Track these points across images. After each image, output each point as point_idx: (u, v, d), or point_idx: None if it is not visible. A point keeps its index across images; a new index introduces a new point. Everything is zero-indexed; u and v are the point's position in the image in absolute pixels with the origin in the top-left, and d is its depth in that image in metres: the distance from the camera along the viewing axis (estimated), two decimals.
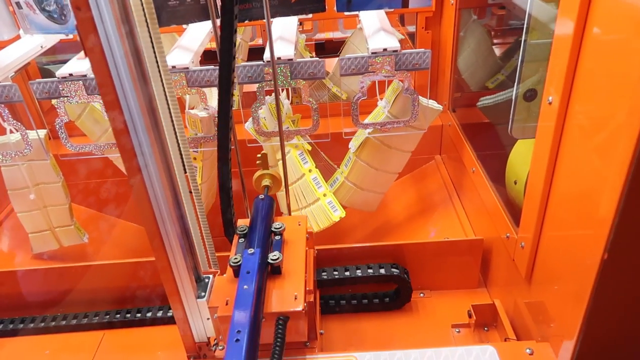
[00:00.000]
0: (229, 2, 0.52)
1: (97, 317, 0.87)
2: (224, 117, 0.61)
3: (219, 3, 0.81)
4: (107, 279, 0.89)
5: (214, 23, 0.65)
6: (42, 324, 0.86)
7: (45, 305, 0.90)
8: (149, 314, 0.86)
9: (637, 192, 0.44)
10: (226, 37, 0.53)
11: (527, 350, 0.63)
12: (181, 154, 0.55)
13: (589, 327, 0.52)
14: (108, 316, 0.87)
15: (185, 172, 0.56)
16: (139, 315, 0.86)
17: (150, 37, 0.46)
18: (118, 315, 0.86)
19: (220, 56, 0.55)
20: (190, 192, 0.59)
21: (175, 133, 0.54)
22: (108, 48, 0.40)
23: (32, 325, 0.86)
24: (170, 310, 0.86)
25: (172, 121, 0.53)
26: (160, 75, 0.49)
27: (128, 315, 0.86)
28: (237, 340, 0.50)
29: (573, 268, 0.57)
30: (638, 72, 0.41)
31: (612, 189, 0.45)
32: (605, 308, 0.51)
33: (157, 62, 0.48)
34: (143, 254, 0.88)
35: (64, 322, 0.86)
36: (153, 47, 0.47)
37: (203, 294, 0.60)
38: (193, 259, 0.59)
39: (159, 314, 0.86)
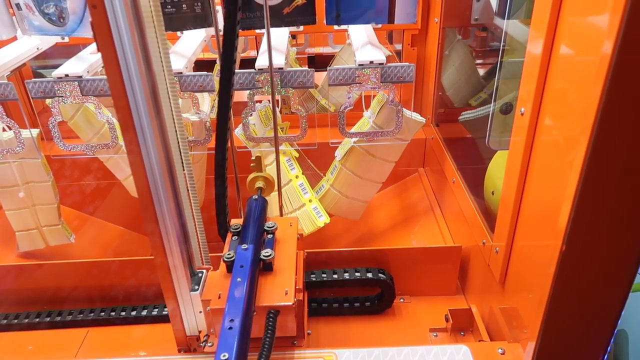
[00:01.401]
0: (232, 8, 0.55)
1: (81, 315, 0.88)
2: (223, 118, 0.64)
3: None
4: (93, 277, 0.90)
5: (216, 30, 0.68)
6: (26, 320, 0.87)
7: (29, 301, 0.90)
8: (133, 313, 0.87)
9: (587, 206, 0.47)
10: (228, 41, 0.56)
11: (499, 350, 0.66)
12: (180, 152, 0.58)
13: (547, 329, 0.56)
14: (92, 314, 0.88)
15: (184, 170, 0.58)
16: (123, 313, 0.87)
17: (157, 37, 0.49)
18: (102, 313, 0.88)
19: (222, 59, 0.58)
20: (188, 189, 0.62)
21: (176, 131, 0.56)
22: (120, 45, 0.43)
23: (15, 321, 0.87)
24: (155, 310, 0.87)
25: (174, 119, 0.56)
26: (164, 74, 0.52)
27: (112, 313, 0.88)
28: (230, 328, 0.52)
29: (536, 274, 0.61)
30: (591, 91, 0.44)
31: (566, 202, 0.49)
32: (561, 312, 0.55)
33: (161, 60, 0.51)
34: (127, 255, 0.90)
35: (48, 319, 0.87)
36: (159, 46, 0.50)
37: (197, 287, 0.62)
38: (188, 253, 0.61)
39: (144, 312, 0.87)
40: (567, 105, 0.52)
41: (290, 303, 0.61)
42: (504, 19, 0.91)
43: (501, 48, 0.75)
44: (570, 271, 0.52)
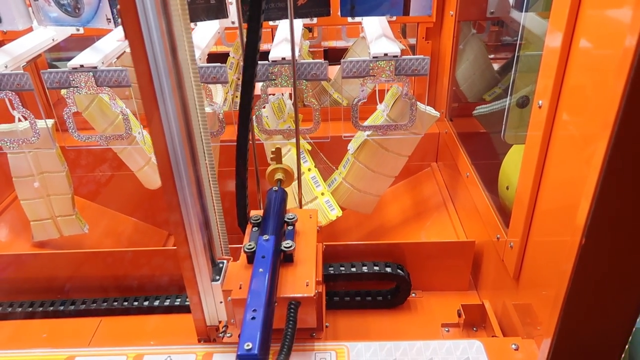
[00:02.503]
0: None
1: (94, 304, 0.88)
2: (244, 114, 0.63)
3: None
4: (106, 267, 0.91)
5: (240, 23, 0.67)
6: (41, 309, 0.88)
7: (44, 290, 0.91)
8: (146, 303, 0.88)
9: (607, 202, 0.46)
10: (252, 29, 0.56)
11: (513, 346, 0.65)
12: (202, 141, 0.58)
13: (563, 325, 0.55)
14: (106, 303, 0.88)
15: (205, 160, 0.58)
16: (135, 303, 0.88)
17: (182, 24, 0.49)
18: (115, 303, 0.88)
19: (246, 50, 0.58)
20: (209, 179, 0.61)
21: (199, 120, 0.56)
22: (147, 34, 0.43)
23: (30, 309, 0.88)
24: (167, 300, 0.88)
25: (197, 110, 0.55)
26: (189, 62, 0.52)
27: (125, 303, 0.88)
28: (253, 318, 0.52)
29: (552, 270, 0.60)
30: (612, 85, 0.43)
31: (586, 197, 0.47)
32: (578, 309, 0.54)
33: (186, 48, 0.51)
34: (139, 246, 0.90)
35: (62, 308, 0.88)
36: (184, 34, 0.50)
37: (218, 277, 0.62)
38: (210, 244, 0.61)
39: (156, 302, 0.88)
40: (586, 100, 0.51)
41: (312, 294, 0.61)
42: (521, 11, 0.90)
43: (518, 41, 0.73)
44: (588, 268, 0.51)
